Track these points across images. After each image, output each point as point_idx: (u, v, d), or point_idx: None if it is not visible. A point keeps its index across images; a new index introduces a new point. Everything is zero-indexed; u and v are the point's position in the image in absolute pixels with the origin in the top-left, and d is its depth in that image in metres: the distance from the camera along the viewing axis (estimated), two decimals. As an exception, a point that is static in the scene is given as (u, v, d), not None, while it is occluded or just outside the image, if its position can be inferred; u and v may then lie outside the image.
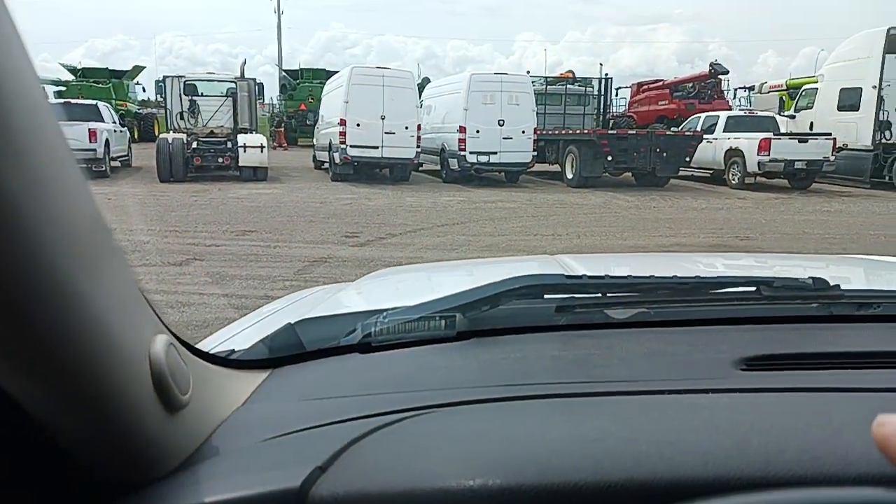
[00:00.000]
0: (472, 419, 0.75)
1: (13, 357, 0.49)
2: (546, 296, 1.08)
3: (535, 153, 16.46)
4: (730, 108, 20.98)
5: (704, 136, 16.13)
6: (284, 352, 1.00)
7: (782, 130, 17.06)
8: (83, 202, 0.51)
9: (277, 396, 0.88)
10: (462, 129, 15.78)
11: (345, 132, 15.21)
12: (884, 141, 16.47)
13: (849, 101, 17.01)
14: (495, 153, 15.95)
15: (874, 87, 16.21)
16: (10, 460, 0.59)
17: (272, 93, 31.57)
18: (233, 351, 1.02)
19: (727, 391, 0.79)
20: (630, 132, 16.25)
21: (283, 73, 33.00)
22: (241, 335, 1.25)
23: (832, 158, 15.61)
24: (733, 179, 16.36)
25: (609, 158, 15.38)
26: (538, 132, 16.66)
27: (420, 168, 18.89)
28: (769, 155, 15.33)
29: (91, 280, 0.51)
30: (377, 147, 15.38)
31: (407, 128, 15.49)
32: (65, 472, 0.60)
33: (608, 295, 1.09)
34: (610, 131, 16.55)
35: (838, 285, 1.10)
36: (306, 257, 7.70)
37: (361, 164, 15.58)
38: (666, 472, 0.59)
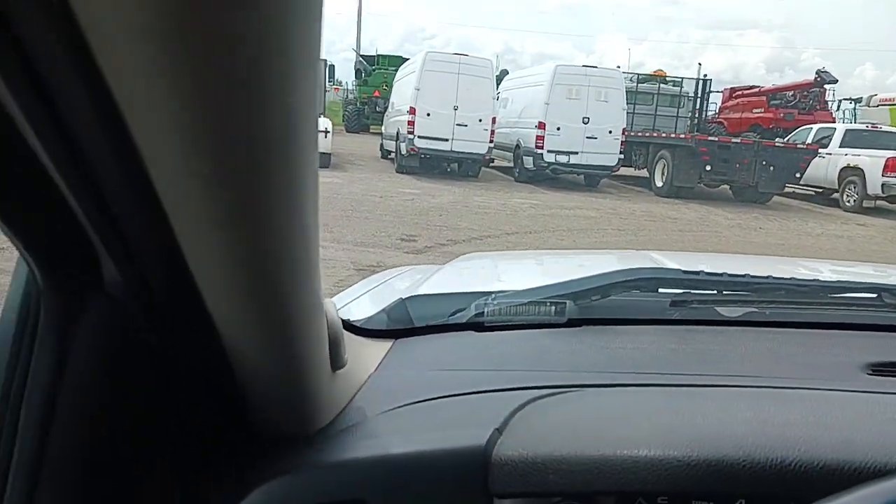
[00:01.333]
0: (623, 400, 0.77)
1: (243, 308, 0.53)
2: (660, 289, 1.09)
3: (622, 156, 14.86)
4: (833, 121, 18.74)
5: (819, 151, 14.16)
6: (402, 324, 1.04)
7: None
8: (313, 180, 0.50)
9: (406, 366, 0.92)
10: (541, 125, 14.30)
11: (413, 121, 13.99)
12: None
13: None
14: (576, 153, 14.43)
15: None
16: (192, 397, 0.62)
17: (351, 77, 31.01)
18: (350, 319, 1.01)
19: (857, 392, 0.80)
20: (734, 140, 14.34)
21: (360, 58, 32.17)
22: (356, 303, 1.27)
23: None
24: (848, 201, 14.31)
25: (707, 168, 13.62)
26: (626, 133, 15.05)
27: (491, 164, 17.60)
28: (896, 176, 13.29)
29: (311, 241, 0.53)
30: (447, 139, 14.10)
31: (481, 120, 14.14)
32: (234, 422, 0.65)
33: (724, 293, 1.10)
34: (710, 137, 14.68)
35: None
36: (353, 263, 6.52)
37: (429, 157, 14.33)
38: (840, 456, 0.61)
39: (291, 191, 0.46)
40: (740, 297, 1.09)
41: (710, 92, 24.19)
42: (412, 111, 14.02)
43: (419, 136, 13.98)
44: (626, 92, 15.82)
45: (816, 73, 20.57)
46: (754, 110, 21.66)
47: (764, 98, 21.58)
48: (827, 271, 1.68)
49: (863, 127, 16.03)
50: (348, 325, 0.93)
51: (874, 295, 1.09)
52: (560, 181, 15.00)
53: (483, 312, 1.04)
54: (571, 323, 1.02)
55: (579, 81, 14.37)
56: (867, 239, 10.79)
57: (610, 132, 14.49)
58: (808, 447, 0.63)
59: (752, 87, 22.93)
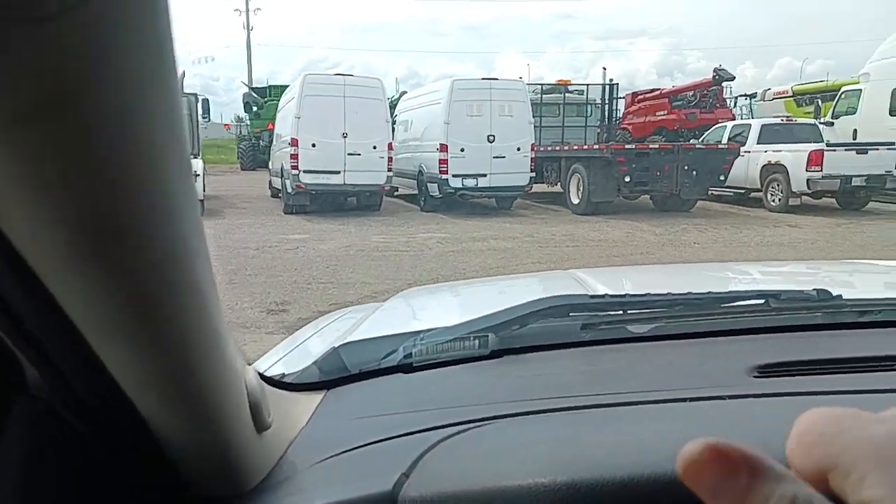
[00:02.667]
0: (526, 429, 0.82)
1: (155, 384, 0.55)
2: (571, 314, 1.16)
3: (534, 174, 13.57)
4: (733, 117, 18.24)
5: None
6: (334, 374, 1.06)
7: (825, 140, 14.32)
8: (200, 229, 0.50)
9: (336, 416, 0.94)
10: (443, 148, 12.84)
11: (297, 154, 12.24)
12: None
13: (905, 102, 14.29)
14: (484, 175, 13.04)
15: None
16: (128, 475, 0.65)
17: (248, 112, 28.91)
18: (283, 374, 1.06)
19: (741, 397, 0.86)
20: (653, 146, 13.22)
21: (250, 91, 30.12)
22: (287, 359, 1.29)
23: (896, 172, 12.82)
24: (773, 201, 13.48)
25: (626, 179, 12.45)
26: (535, 148, 13.78)
27: (395, 194, 15.98)
28: (821, 170, 12.49)
29: (215, 316, 0.55)
30: (338, 171, 12.40)
31: (375, 147, 12.54)
32: (169, 487, 0.67)
33: (629, 312, 1.17)
34: (627, 146, 13.48)
35: (840, 295, 1.19)
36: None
37: (320, 193, 12.56)
38: None
39: (179, 270, 0.47)
40: (644, 315, 1.16)
41: (618, 98, 23.86)
42: (294, 142, 12.27)
43: (305, 171, 12.23)
44: (531, 104, 14.62)
45: (714, 70, 20.17)
46: (658, 113, 21.15)
47: (666, 100, 21.10)
48: (721, 278, 1.78)
49: (777, 120, 15.36)
50: (278, 383, 0.96)
51: (762, 301, 1.18)
52: (470, 206, 13.56)
53: (412, 353, 1.07)
54: (494, 354, 1.08)
55: (480, 96, 13.02)
56: (809, 244, 9.78)
57: (518, 149, 13.19)
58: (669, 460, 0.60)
59: (654, 91, 22.53)
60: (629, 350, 1.11)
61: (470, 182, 12.97)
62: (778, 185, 13.34)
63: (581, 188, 13.30)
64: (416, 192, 14.37)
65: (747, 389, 0.89)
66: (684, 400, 0.86)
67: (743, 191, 14.36)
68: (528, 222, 12.26)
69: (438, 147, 12.89)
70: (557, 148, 14.97)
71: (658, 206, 13.50)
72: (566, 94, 18.92)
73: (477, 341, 1.08)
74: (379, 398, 1.01)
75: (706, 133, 15.84)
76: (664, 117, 20.66)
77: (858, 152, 12.64)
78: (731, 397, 0.85)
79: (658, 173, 12.46)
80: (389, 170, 12.85)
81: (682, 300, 1.18)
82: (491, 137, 12.98)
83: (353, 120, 12.26)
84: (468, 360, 1.07)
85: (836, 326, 1.16)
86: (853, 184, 12.57)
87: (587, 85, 20.22)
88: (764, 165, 13.59)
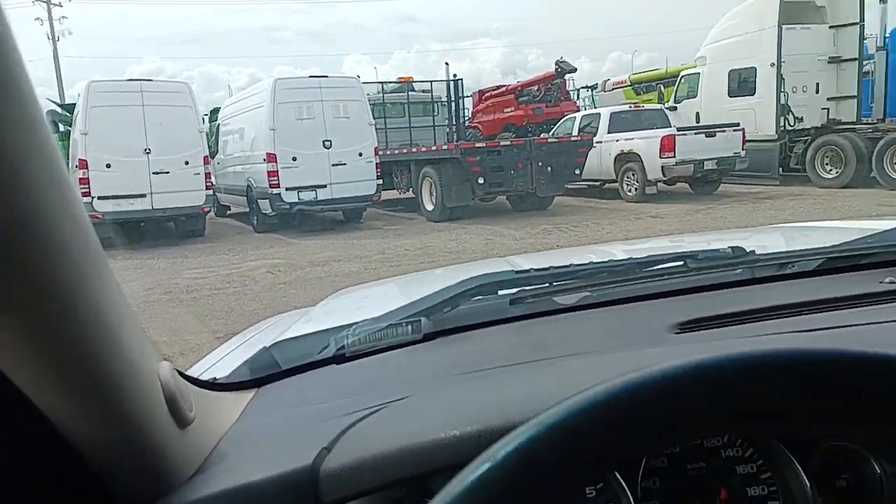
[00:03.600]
0: (448, 394, 0.84)
1: (51, 381, 0.54)
2: (500, 291, 1.17)
3: (381, 180, 12.18)
4: (577, 109, 18.03)
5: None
6: (265, 372, 1.04)
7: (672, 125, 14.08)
8: (93, 240, 0.52)
9: (267, 409, 0.93)
10: (270, 158, 11.12)
11: (88, 178, 10.05)
12: (788, 127, 13.88)
13: (741, 84, 14.33)
14: (324, 186, 11.49)
15: (772, 64, 13.56)
16: (41, 481, 0.63)
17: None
18: (215, 378, 1.03)
19: (661, 349, 0.89)
20: (504, 143, 12.21)
21: (55, 108, 26.44)
22: (222, 363, 1.27)
23: (743, 154, 12.69)
24: (629, 191, 12.99)
25: (480, 180, 11.35)
26: (380, 152, 12.40)
27: (228, 213, 13.99)
28: (675, 156, 12.09)
29: (112, 315, 0.55)
30: (143, 195, 10.37)
31: (188, 163, 10.63)
32: (90, 490, 0.65)
33: (554, 284, 1.18)
34: (478, 144, 12.33)
35: (754, 250, 1.23)
36: None
37: (122, 223, 10.42)
38: None
39: (71, 264, 0.48)
40: (570, 285, 1.18)
41: (464, 96, 23.18)
42: (83, 164, 10.07)
43: (100, 197, 10.08)
44: (373, 105, 13.22)
45: (556, 63, 19.89)
46: (505, 110, 20.77)
47: (512, 96, 20.76)
48: (643, 249, 1.77)
49: (625, 108, 14.99)
50: (208, 385, 0.94)
51: (681, 262, 1.21)
52: (314, 221, 11.94)
53: (344, 345, 1.06)
54: (427, 337, 1.08)
55: (309, 96, 11.43)
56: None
57: (360, 154, 11.76)
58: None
59: (500, 87, 22.08)
60: (557, 321, 1.13)
61: (307, 195, 11.37)
62: (633, 175, 12.86)
63: (434, 193, 12.08)
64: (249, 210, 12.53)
65: (669, 344, 0.94)
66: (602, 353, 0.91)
67: (598, 182, 13.82)
68: (380, 236, 10.86)
69: (266, 157, 11.17)
70: (405, 150, 13.67)
71: (515, 207, 12.59)
72: (410, 93, 17.74)
73: (409, 326, 1.08)
74: (310, 389, 0.99)
75: (556, 126, 15.22)
76: (512, 114, 20.23)
77: (708, 136, 12.38)
78: (651, 349, 0.87)
79: (512, 172, 11.48)
80: (209, 188, 10.96)
81: (604, 268, 1.25)
82: (327, 143, 11.45)
83: (155, 133, 10.27)
84: (402, 345, 1.07)
85: (754, 282, 1.21)
86: (705, 168, 12.29)
87: (431, 81, 19.11)
88: (617, 155, 13.07)
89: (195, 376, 0.90)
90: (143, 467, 0.66)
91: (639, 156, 12.58)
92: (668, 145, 12.05)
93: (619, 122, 13.50)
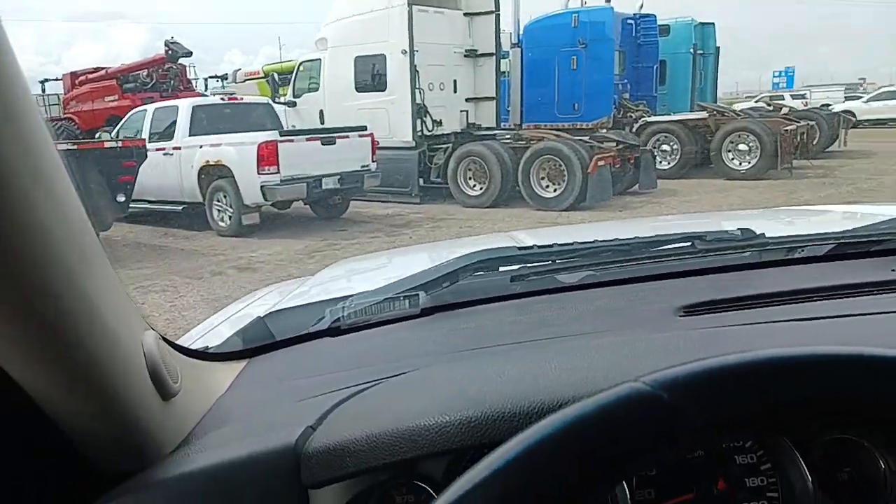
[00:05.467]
0: (441, 374, 0.80)
1: (28, 354, 0.53)
2: (501, 268, 1.15)
3: None
4: (204, 102, 13.90)
5: (149, 146, 8.28)
6: (258, 342, 1.02)
7: (285, 126, 10.47)
8: (74, 208, 0.53)
9: (257, 381, 0.91)
10: None
11: None
12: (426, 132, 11.27)
13: (370, 76, 11.32)
14: None
15: (404, 51, 10.74)
16: (24, 454, 0.63)
17: None
18: (207, 347, 1.03)
19: (666, 333, 0.85)
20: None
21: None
22: (214, 332, 1.24)
23: (374, 167, 9.55)
24: (221, 220, 8.93)
25: None
26: None
27: None
28: (278, 171, 8.34)
29: (88, 281, 0.55)
30: None
31: None
32: (74, 462, 0.64)
33: (557, 261, 1.15)
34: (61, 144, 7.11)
35: (763, 233, 1.22)
36: None
37: None
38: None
39: (50, 238, 0.48)
40: (574, 264, 1.15)
41: (46, 81, 18.37)
42: None
43: None
44: None
45: (166, 44, 15.43)
46: (107, 98, 16.01)
47: (114, 82, 15.98)
48: (650, 228, 1.72)
49: (216, 100, 10.80)
50: (200, 354, 0.92)
51: (688, 243, 1.18)
52: None
53: (340, 317, 1.04)
54: (425, 312, 1.05)
55: None
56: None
57: None
58: (566, 391, 0.63)
59: (97, 70, 16.83)
60: (560, 299, 1.09)
61: None
62: (226, 199, 8.81)
63: None
64: None
65: (673, 327, 0.91)
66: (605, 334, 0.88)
67: (182, 207, 9.45)
68: None
69: None
70: None
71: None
72: None
73: (407, 301, 1.06)
74: (303, 362, 0.97)
75: (120, 123, 10.48)
76: (115, 103, 15.63)
77: (325, 143, 8.87)
78: (656, 334, 0.85)
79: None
80: None
81: (609, 247, 1.20)
82: None
83: None
84: (400, 319, 1.04)
85: (762, 265, 1.18)
86: (324, 187, 8.81)
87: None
88: (202, 168, 8.90)
89: (186, 345, 0.88)
90: (123, 439, 0.64)
91: (230, 170, 8.58)
92: (267, 156, 8.23)
93: (206, 121, 9.31)
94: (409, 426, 0.64)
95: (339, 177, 8.85)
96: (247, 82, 18.86)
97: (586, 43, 13.02)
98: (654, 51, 14.63)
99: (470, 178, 10.89)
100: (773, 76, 41.66)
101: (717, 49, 16.55)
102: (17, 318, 0.49)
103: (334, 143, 8.89)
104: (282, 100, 12.49)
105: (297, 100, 12.31)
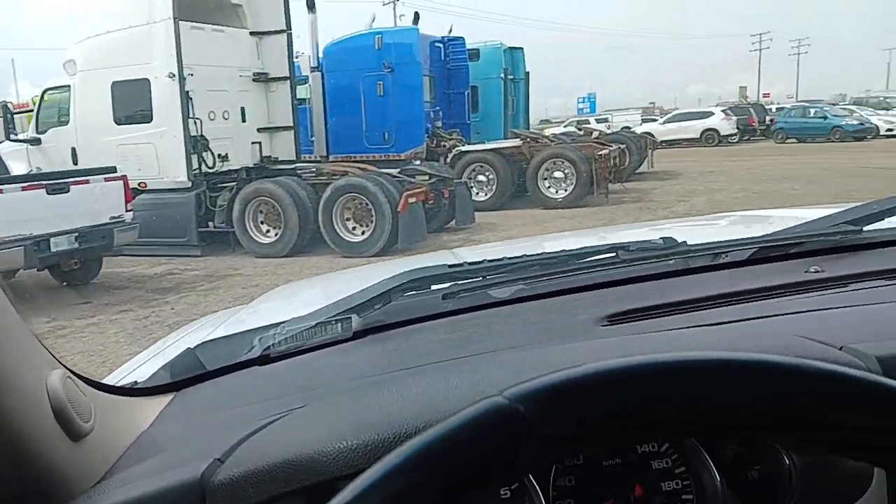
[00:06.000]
0: (352, 398, 0.78)
1: None
2: (433, 286, 1.15)
3: None
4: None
5: None
6: (186, 374, 0.99)
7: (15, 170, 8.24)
8: None
9: (181, 415, 0.89)
10: None
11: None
12: (206, 169, 9.48)
13: (133, 105, 9.33)
14: None
15: (171, 75, 8.90)
16: None
17: None
18: (136, 382, 1.01)
19: (588, 341, 0.89)
20: None
21: None
22: (144, 367, 1.22)
23: (129, 217, 7.58)
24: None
25: None
26: None
27: None
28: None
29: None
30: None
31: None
32: None
33: (488, 277, 1.16)
34: None
35: (685, 241, 1.23)
36: None
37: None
38: None
39: None
40: (504, 279, 1.15)
41: None
42: None
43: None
44: None
45: None
46: None
47: None
48: (577, 241, 1.65)
49: None
50: (125, 390, 0.91)
51: (613, 254, 1.20)
52: None
53: (270, 345, 1.02)
54: (357, 335, 1.04)
55: None
56: None
57: None
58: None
59: None
60: (490, 315, 1.10)
61: None
62: None
63: None
64: None
65: (596, 336, 0.92)
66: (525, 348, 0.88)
67: None
68: None
69: None
70: None
71: None
72: None
73: (339, 325, 1.05)
74: (231, 393, 0.95)
75: None
76: None
77: (52, 191, 6.75)
78: (577, 343, 0.86)
79: None
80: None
81: (538, 261, 1.22)
82: None
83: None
84: (331, 344, 1.03)
85: (686, 272, 1.19)
86: (54, 249, 6.72)
87: None
88: None
89: (112, 383, 0.88)
90: (28, 482, 0.63)
91: None
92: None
93: None
94: (308, 453, 0.64)
95: (75, 234, 6.82)
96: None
97: (392, 67, 11.94)
98: (465, 76, 13.92)
99: (262, 222, 9.26)
100: (578, 102, 43.98)
101: (527, 74, 16.26)
102: None
103: (67, 192, 6.83)
104: (22, 136, 10.07)
105: (41, 136, 9.97)
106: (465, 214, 10.25)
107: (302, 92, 12.48)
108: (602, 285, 1.14)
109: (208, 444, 0.72)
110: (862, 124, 26.14)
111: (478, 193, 12.45)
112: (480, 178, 12.52)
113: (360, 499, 0.41)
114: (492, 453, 0.43)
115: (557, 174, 12.17)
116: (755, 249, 1.22)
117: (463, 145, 12.91)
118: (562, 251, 1.25)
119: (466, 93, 13.93)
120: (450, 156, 12.50)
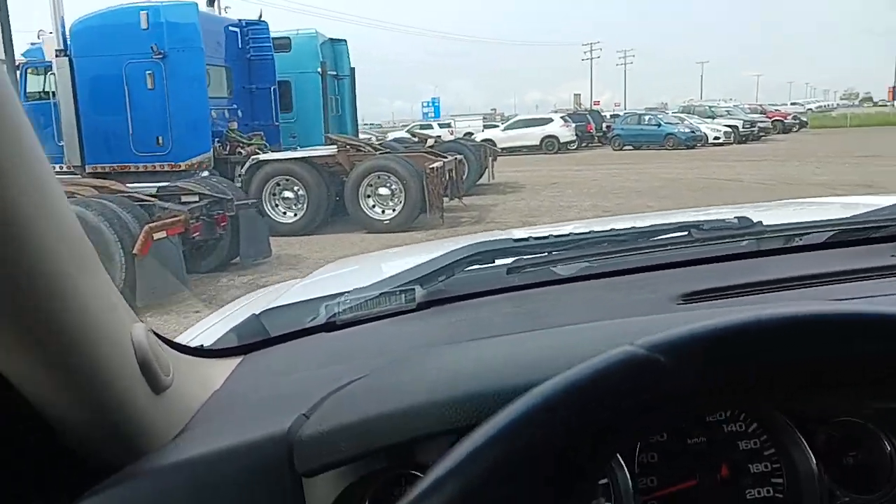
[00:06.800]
0: (435, 360, 0.78)
1: (16, 349, 0.53)
2: (497, 261, 1.14)
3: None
4: None
5: None
6: (252, 339, 1.01)
7: None
8: (65, 211, 0.54)
9: (252, 376, 0.90)
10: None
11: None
12: None
13: None
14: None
15: None
16: (13, 448, 0.62)
17: None
18: (203, 345, 1.01)
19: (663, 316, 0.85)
20: None
21: None
22: (209, 331, 1.24)
23: None
24: None
25: None
26: None
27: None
28: None
29: (76, 279, 0.55)
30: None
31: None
32: (61, 455, 0.63)
33: (553, 253, 1.15)
34: None
35: (761, 221, 1.21)
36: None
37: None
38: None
39: (29, 226, 0.48)
40: (570, 255, 1.14)
41: None
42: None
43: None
44: None
45: None
46: None
47: None
48: (647, 220, 1.67)
49: None
50: (195, 351, 0.91)
51: (685, 232, 1.17)
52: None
53: (335, 313, 1.04)
54: (421, 306, 1.05)
55: None
56: None
57: None
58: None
59: None
60: (556, 291, 1.09)
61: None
62: None
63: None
64: None
65: (672, 313, 0.89)
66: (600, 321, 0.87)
67: None
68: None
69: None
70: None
71: None
72: None
73: (403, 295, 1.05)
74: (298, 357, 0.96)
75: None
76: None
77: None
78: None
79: None
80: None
81: (606, 237, 1.20)
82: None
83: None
84: (395, 315, 1.04)
85: (761, 254, 1.17)
86: None
87: None
88: None
89: (182, 343, 0.89)
90: (112, 431, 0.64)
91: None
92: None
93: None
94: (399, 407, 0.64)
95: None
96: None
97: (164, 52, 9.22)
98: (270, 68, 11.36)
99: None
100: (423, 106, 42.59)
101: (353, 70, 13.99)
102: (4, 313, 0.50)
103: None
104: None
105: None
106: (256, 246, 7.77)
107: (46, 84, 9.49)
108: (674, 265, 1.12)
109: (289, 401, 0.73)
110: (693, 132, 26.55)
111: (284, 214, 10.03)
112: (287, 194, 10.06)
113: (489, 446, 0.39)
114: (629, 404, 0.41)
115: (383, 190, 10.00)
116: (834, 232, 1.20)
117: (265, 152, 10.39)
118: (631, 227, 1.26)
119: (273, 88, 11.39)
120: (245, 166, 9.93)
